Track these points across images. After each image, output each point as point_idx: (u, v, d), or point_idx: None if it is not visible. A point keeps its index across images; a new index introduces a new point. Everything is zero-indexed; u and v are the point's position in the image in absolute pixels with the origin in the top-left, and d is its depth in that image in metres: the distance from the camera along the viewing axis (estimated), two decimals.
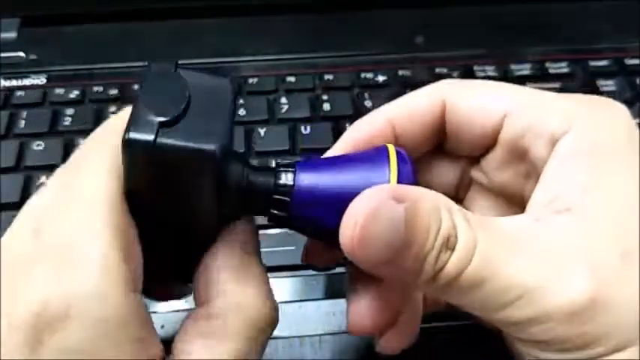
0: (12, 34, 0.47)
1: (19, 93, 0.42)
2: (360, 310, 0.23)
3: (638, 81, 0.43)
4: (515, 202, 0.25)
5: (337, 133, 0.40)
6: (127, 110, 0.20)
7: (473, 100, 0.24)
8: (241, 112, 0.41)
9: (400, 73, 0.43)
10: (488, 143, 0.24)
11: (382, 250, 0.18)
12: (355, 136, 0.24)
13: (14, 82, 0.43)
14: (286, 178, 0.21)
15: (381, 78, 0.43)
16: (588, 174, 0.20)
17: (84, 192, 0.19)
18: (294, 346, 0.30)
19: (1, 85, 0.43)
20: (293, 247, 0.33)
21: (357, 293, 0.23)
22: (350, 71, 0.44)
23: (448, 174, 0.26)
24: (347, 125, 0.40)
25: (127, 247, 0.19)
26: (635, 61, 0.44)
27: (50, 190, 0.20)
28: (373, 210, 0.18)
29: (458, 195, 0.27)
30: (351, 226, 0.19)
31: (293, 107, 0.41)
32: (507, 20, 0.48)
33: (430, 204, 0.19)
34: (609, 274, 0.18)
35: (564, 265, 0.19)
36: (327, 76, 0.43)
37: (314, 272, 0.30)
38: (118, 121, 0.21)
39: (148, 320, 0.19)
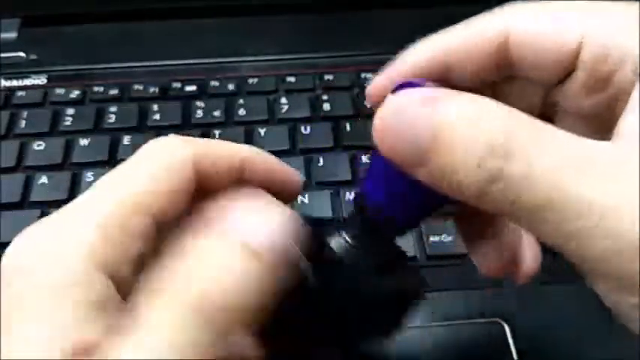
0: (12, 34, 0.47)
1: (20, 93, 0.42)
2: (484, 262, 0.23)
3: None
4: (606, 129, 0.21)
5: (337, 133, 0.40)
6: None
7: (542, 26, 0.20)
8: (241, 112, 0.41)
9: None
10: (566, 69, 0.21)
11: (407, 148, 0.16)
12: (401, 68, 0.22)
13: (15, 82, 0.43)
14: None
15: None
16: None
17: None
18: None
19: (2, 85, 0.43)
20: None
21: (474, 247, 0.23)
22: (350, 71, 0.44)
23: (527, 99, 0.23)
24: (347, 125, 0.40)
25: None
26: None
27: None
28: (397, 108, 0.16)
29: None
30: (376, 122, 0.17)
31: (293, 107, 0.41)
32: None
33: (470, 105, 0.16)
34: None
35: None
36: (327, 76, 0.43)
37: None
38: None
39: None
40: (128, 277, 0.18)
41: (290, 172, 0.23)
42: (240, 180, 0.21)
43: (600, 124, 0.22)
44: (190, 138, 0.22)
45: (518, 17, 0.21)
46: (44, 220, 0.18)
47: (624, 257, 0.15)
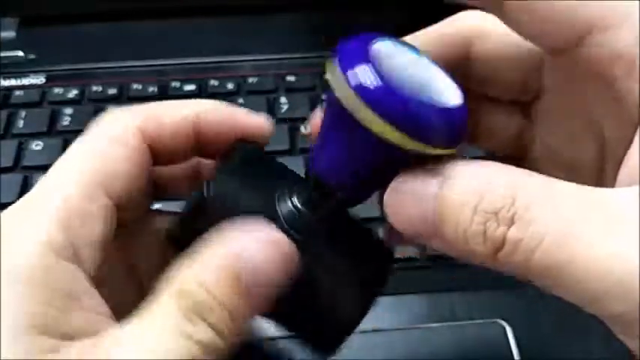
0: (11, 34, 0.47)
1: (18, 92, 0.42)
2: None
3: None
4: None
5: None
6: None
7: (547, 6, 0.18)
8: None
9: None
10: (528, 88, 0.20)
11: (418, 225, 0.17)
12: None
13: (13, 82, 0.43)
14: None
15: None
16: None
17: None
18: None
19: (0, 84, 0.43)
20: None
21: None
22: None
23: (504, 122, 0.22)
24: None
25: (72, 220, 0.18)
26: None
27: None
28: (403, 181, 0.17)
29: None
30: (387, 197, 0.17)
31: (293, 107, 0.41)
32: None
33: (472, 174, 0.16)
34: None
35: None
36: (327, 77, 0.43)
37: None
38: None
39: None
40: (91, 261, 0.18)
41: (251, 116, 0.22)
42: (198, 135, 0.21)
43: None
44: (136, 106, 0.22)
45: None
46: (5, 210, 0.18)
47: None
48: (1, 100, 0.42)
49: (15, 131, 0.40)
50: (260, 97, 0.42)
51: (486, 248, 0.16)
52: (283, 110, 0.41)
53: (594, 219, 0.15)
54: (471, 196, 0.16)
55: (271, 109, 0.41)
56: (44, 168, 0.37)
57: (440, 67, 0.18)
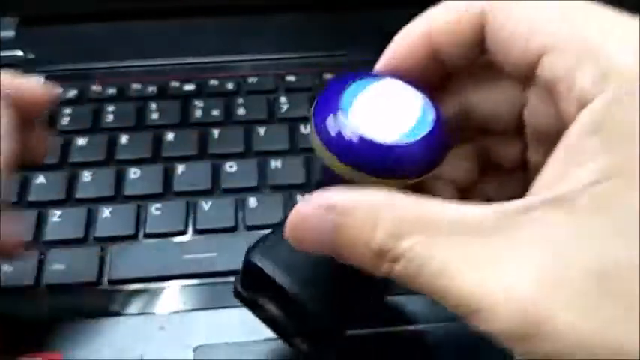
0: (10, 33, 0.47)
1: None
2: None
3: None
4: None
5: None
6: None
7: (512, 25, 0.20)
8: (241, 111, 0.41)
9: None
10: (528, 76, 0.20)
11: (318, 247, 0.19)
12: (392, 54, 0.23)
13: None
14: None
15: None
16: (604, 161, 0.16)
17: None
18: None
19: None
20: None
21: None
22: (350, 71, 0.44)
23: (504, 95, 0.23)
24: None
25: None
26: None
27: None
28: (302, 218, 0.19)
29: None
30: (287, 229, 0.19)
31: (293, 107, 0.41)
32: None
33: (362, 213, 0.18)
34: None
35: (515, 276, 0.16)
36: (326, 76, 0.43)
37: None
38: None
39: None
40: None
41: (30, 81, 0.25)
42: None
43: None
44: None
45: (496, 8, 0.20)
46: None
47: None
48: None
49: None
50: (260, 97, 0.42)
51: (381, 273, 0.18)
52: (283, 110, 0.41)
53: (462, 248, 0.16)
54: (363, 235, 0.18)
55: (271, 109, 0.41)
56: (43, 168, 0.37)
57: (419, 93, 0.20)
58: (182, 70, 0.44)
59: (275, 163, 0.37)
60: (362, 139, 0.18)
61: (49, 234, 0.34)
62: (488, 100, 0.22)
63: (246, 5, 0.48)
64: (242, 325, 0.30)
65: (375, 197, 0.18)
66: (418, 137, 0.19)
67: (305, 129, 0.40)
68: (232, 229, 0.34)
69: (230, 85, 0.42)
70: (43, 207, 0.35)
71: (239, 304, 0.29)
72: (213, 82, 0.43)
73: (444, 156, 0.20)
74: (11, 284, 0.32)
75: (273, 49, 0.45)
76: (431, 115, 0.20)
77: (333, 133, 0.19)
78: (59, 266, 0.32)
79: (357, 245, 0.18)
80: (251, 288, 0.25)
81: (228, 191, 0.36)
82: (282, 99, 0.42)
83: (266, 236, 0.24)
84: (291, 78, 0.43)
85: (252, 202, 0.35)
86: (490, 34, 0.20)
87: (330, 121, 0.19)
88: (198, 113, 0.41)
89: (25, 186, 0.36)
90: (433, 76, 0.22)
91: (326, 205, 0.18)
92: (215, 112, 0.41)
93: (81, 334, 0.30)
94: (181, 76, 0.43)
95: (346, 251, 0.18)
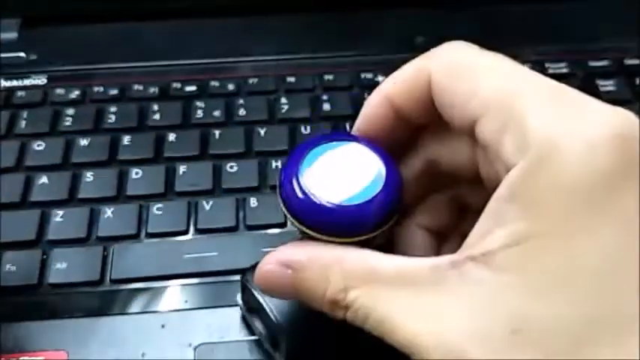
0: (12, 35, 0.47)
1: (20, 93, 0.42)
2: None
3: (637, 81, 0.43)
4: None
5: None
6: None
7: (452, 89, 0.21)
8: (241, 112, 0.41)
9: None
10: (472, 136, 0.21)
11: (281, 295, 0.23)
12: (361, 121, 0.24)
13: (15, 83, 0.43)
14: None
15: (380, 78, 0.43)
16: (520, 225, 0.17)
17: None
18: None
19: (2, 85, 0.43)
20: None
21: None
22: (350, 71, 0.44)
23: (463, 148, 0.24)
24: (347, 125, 0.40)
25: None
26: (635, 61, 0.44)
27: None
28: (265, 273, 0.22)
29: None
30: (256, 280, 0.23)
31: (293, 107, 0.41)
32: (506, 20, 0.48)
33: (315, 270, 0.21)
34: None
35: (443, 333, 0.18)
36: (327, 76, 0.43)
37: None
38: None
39: None
40: None
41: None
42: None
43: None
44: None
45: (438, 71, 0.22)
46: None
47: None
48: (3, 100, 0.42)
49: (17, 132, 0.40)
50: (260, 98, 0.42)
51: (338, 317, 0.20)
52: (283, 111, 0.41)
53: (399, 300, 0.19)
54: (317, 288, 0.20)
55: (272, 110, 0.41)
56: (46, 168, 0.37)
57: (378, 158, 0.22)
58: (183, 71, 0.44)
59: (276, 164, 0.37)
60: (310, 200, 0.20)
61: (52, 234, 0.34)
62: (451, 153, 0.24)
63: (247, 6, 0.48)
64: (242, 325, 0.30)
65: (326, 254, 0.21)
66: (364, 200, 0.21)
67: (305, 130, 0.40)
68: (233, 229, 0.34)
69: (231, 86, 0.43)
70: (45, 207, 0.35)
71: (239, 303, 0.30)
72: (214, 83, 0.43)
73: (389, 218, 0.21)
74: (14, 283, 0.32)
75: (274, 51, 0.45)
76: (382, 179, 0.21)
77: (289, 193, 0.21)
78: (62, 266, 0.33)
79: (313, 297, 0.21)
80: (245, 303, 0.29)
81: (229, 191, 0.36)
82: (283, 100, 0.42)
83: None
84: (291, 79, 0.43)
85: (252, 202, 0.35)
86: (436, 94, 0.22)
87: (287, 181, 0.21)
88: (199, 114, 0.41)
89: (27, 186, 0.36)
90: (402, 134, 0.24)
91: (283, 263, 0.21)
92: (216, 113, 0.41)
93: (83, 332, 0.30)
94: (183, 77, 0.43)
95: (306, 300, 0.21)
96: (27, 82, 0.43)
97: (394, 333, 0.19)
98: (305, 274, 0.21)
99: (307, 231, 0.21)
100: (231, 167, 0.37)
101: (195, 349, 0.30)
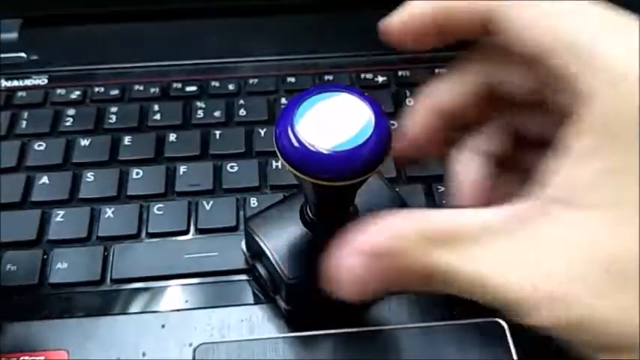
0: (13, 35, 0.47)
1: (21, 93, 0.43)
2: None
3: None
4: None
5: None
6: None
7: (518, 25, 0.20)
8: (241, 112, 0.41)
9: (400, 73, 0.43)
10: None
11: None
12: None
13: (15, 83, 0.43)
14: None
15: (380, 78, 0.43)
16: (604, 161, 0.17)
17: None
18: None
19: (3, 85, 0.43)
20: None
21: None
22: (350, 71, 0.44)
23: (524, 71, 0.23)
24: None
25: None
26: None
27: None
28: (347, 269, 0.20)
29: None
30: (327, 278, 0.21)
31: None
32: None
33: (403, 246, 0.19)
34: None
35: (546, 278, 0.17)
36: (327, 77, 0.44)
37: None
38: None
39: None
40: None
41: None
42: None
43: None
44: None
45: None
46: None
47: None
48: (4, 101, 0.42)
49: (18, 132, 0.40)
50: (261, 98, 0.42)
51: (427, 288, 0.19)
52: None
53: (490, 252, 0.18)
54: (413, 257, 0.19)
55: (272, 110, 0.41)
56: (46, 168, 0.37)
57: (369, 107, 0.22)
58: (184, 72, 0.44)
59: (276, 164, 0.38)
60: (305, 148, 0.21)
61: (53, 233, 0.34)
62: (506, 75, 0.23)
63: (247, 7, 0.48)
64: (242, 324, 0.30)
65: (405, 225, 0.19)
66: (355, 145, 0.21)
67: None
68: (233, 229, 0.35)
69: (231, 87, 0.43)
70: (46, 207, 0.36)
71: (239, 303, 0.30)
72: (215, 83, 0.43)
73: (379, 162, 0.22)
74: (15, 283, 0.32)
75: (274, 51, 0.45)
76: (372, 126, 0.22)
77: (285, 142, 0.22)
78: (62, 265, 0.33)
79: (405, 271, 0.19)
80: (249, 250, 0.30)
81: (230, 191, 0.36)
82: (283, 100, 0.42)
83: (267, 208, 0.29)
84: (291, 79, 0.43)
85: (253, 202, 0.36)
86: (499, 30, 0.21)
87: (283, 131, 0.22)
88: (199, 114, 0.41)
89: (28, 186, 0.37)
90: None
91: (368, 252, 0.19)
92: (216, 113, 0.41)
93: (83, 332, 0.30)
94: (183, 77, 0.44)
95: (399, 285, 0.19)
96: (27, 82, 0.44)
97: (486, 290, 0.18)
98: (399, 256, 0.19)
99: (303, 176, 0.22)
100: (232, 167, 0.38)
101: (195, 349, 0.30)
